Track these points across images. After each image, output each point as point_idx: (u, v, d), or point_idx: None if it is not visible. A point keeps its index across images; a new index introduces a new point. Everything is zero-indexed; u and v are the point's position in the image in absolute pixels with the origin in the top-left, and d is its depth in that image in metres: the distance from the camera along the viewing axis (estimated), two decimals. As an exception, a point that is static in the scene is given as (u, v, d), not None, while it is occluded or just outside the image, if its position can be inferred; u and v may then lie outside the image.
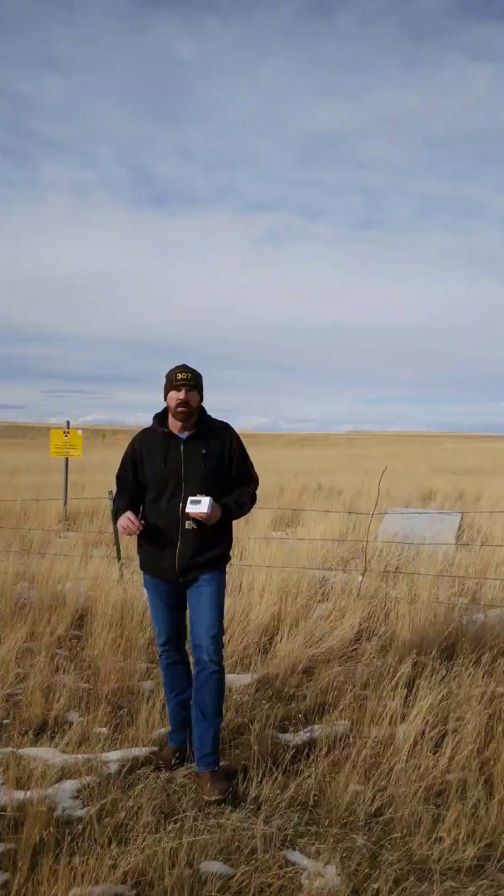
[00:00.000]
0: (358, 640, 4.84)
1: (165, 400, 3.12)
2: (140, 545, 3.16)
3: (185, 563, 3.04)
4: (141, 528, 3.01)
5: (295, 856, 2.55)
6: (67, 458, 11.78)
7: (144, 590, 3.33)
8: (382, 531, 8.23)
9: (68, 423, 11.88)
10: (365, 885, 2.39)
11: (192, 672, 3.15)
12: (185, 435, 3.08)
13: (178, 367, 3.07)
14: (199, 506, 2.91)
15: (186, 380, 3.02)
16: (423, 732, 3.32)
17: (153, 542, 3.09)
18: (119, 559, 6.57)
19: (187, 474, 3.03)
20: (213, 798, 2.85)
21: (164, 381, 3.12)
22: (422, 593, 5.45)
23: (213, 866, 2.47)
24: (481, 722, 3.40)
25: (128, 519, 3.00)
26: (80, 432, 11.66)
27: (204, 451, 3.05)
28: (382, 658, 4.42)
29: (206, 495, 2.96)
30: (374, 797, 2.88)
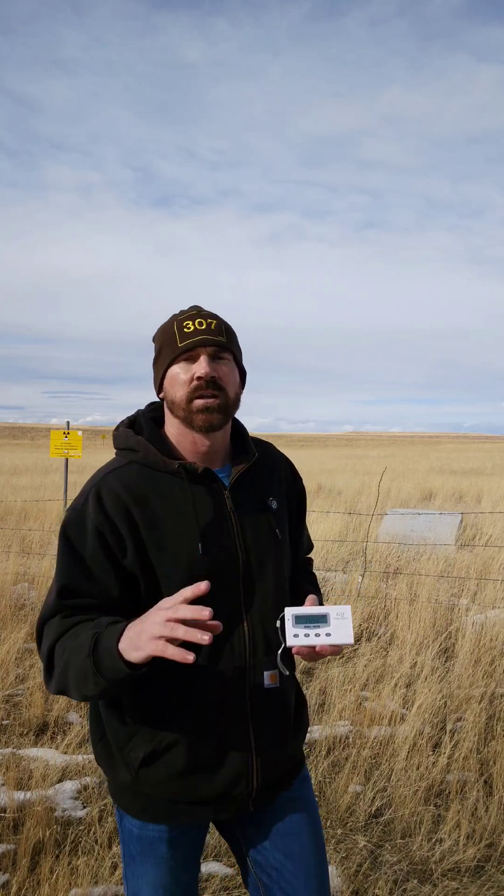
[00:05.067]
0: (358, 640, 4.84)
1: (160, 391, 1.41)
2: (149, 758, 1.33)
3: (272, 769, 1.39)
4: (212, 633, 1.11)
5: (295, 856, 2.55)
6: (67, 459, 11.79)
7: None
8: (382, 532, 8.23)
9: (68, 423, 11.89)
10: (365, 886, 2.39)
11: None
12: (225, 472, 1.41)
13: (185, 312, 1.39)
14: (328, 630, 1.24)
15: (210, 333, 1.34)
16: (423, 732, 3.32)
17: (186, 737, 1.32)
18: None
19: (253, 565, 1.38)
20: None
21: (154, 352, 1.43)
22: (422, 594, 5.45)
23: (212, 867, 2.47)
24: (481, 722, 3.40)
25: (184, 625, 1.10)
26: (79, 433, 11.67)
27: (272, 503, 1.45)
28: (382, 658, 4.42)
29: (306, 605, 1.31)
30: (374, 798, 2.88)
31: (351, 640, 1.25)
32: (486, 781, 3.05)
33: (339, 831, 2.70)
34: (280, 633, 1.31)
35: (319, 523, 8.38)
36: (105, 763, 1.40)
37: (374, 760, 3.17)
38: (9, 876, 2.36)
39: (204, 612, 1.06)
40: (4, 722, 3.57)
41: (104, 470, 1.37)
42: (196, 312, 1.37)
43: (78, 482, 14.49)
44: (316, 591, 1.56)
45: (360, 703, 3.76)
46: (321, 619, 1.25)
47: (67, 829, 2.66)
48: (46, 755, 3.19)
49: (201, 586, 1.10)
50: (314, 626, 1.25)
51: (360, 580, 5.86)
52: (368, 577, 6.04)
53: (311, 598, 1.33)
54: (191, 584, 1.14)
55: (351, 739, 3.38)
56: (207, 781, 1.34)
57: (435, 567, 6.44)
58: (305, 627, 1.25)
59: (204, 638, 1.05)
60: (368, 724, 3.52)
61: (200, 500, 1.34)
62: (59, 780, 3.00)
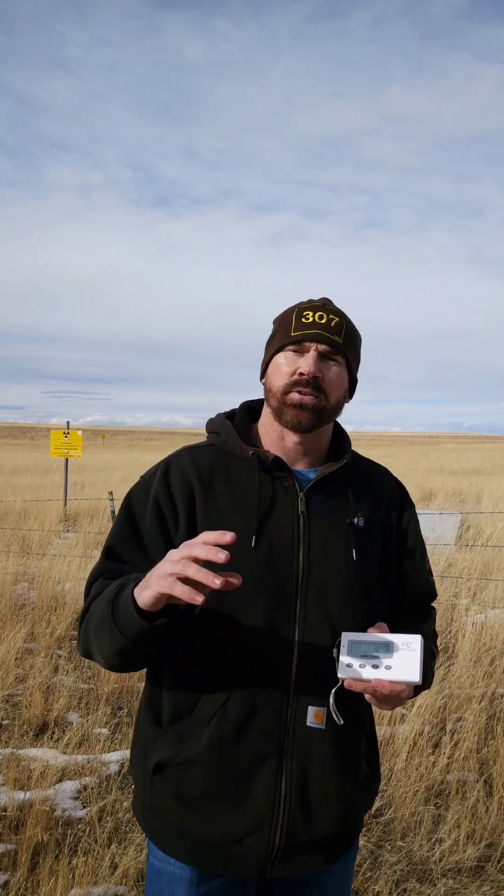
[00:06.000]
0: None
1: (264, 376, 1.31)
2: (163, 764, 1.20)
3: (304, 831, 1.18)
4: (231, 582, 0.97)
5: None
6: (67, 459, 11.79)
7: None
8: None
9: (68, 423, 11.90)
10: (365, 886, 2.39)
11: None
12: (308, 472, 1.28)
13: (311, 302, 1.28)
14: (389, 661, 1.05)
15: (328, 329, 1.23)
16: (423, 732, 3.32)
17: (206, 759, 1.17)
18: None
19: (315, 581, 1.20)
20: None
21: (270, 333, 1.32)
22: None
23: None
24: (481, 722, 3.40)
25: (200, 566, 0.95)
26: (79, 433, 11.67)
27: (359, 521, 1.26)
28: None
29: (378, 631, 1.12)
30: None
31: (417, 679, 1.02)
32: (486, 781, 3.05)
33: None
34: (336, 663, 1.10)
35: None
36: (134, 771, 1.29)
37: (374, 760, 3.17)
38: (9, 876, 2.36)
39: (220, 556, 0.92)
40: (4, 722, 3.57)
41: (183, 448, 1.33)
42: (321, 304, 1.26)
43: (78, 482, 14.49)
44: (432, 643, 1.31)
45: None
46: (382, 648, 1.04)
47: (67, 829, 2.65)
48: (46, 755, 3.19)
49: (227, 535, 0.94)
50: (372, 657, 1.03)
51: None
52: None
53: (379, 624, 1.14)
54: (236, 576, 1.04)
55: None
56: (218, 818, 1.16)
57: (435, 567, 6.43)
58: (362, 657, 1.03)
59: (216, 582, 0.92)
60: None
61: (267, 492, 1.23)
62: (59, 780, 3.00)
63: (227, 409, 1.37)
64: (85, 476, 16.73)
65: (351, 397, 1.33)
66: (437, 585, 5.94)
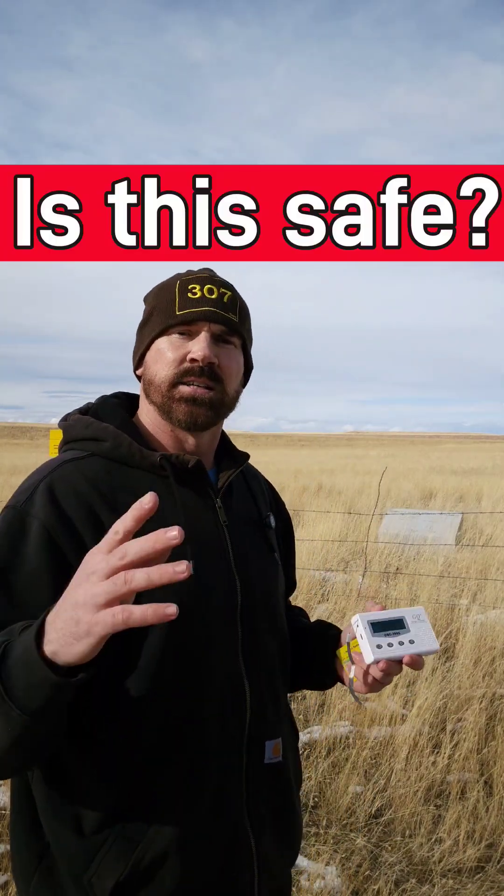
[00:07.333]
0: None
1: (140, 366, 1.10)
2: (124, 886, 0.90)
3: (276, 875, 1.07)
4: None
5: (295, 857, 2.55)
6: (67, 459, 11.81)
7: None
8: (383, 532, 8.24)
9: (68, 423, 11.92)
10: (365, 886, 2.39)
11: None
12: (215, 475, 1.13)
13: (193, 273, 1.07)
14: (410, 636, 1.01)
15: (221, 306, 1.03)
16: (423, 733, 3.32)
17: (179, 848, 0.92)
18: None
19: (254, 598, 1.06)
20: None
21: (143, 315, 1.10)
22: (422, 594, 5.45)
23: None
24: (481, 723, 3.40)
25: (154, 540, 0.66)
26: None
27: (269, 519, 1.18)
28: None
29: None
30: (374, 798, 2.88)
31: (437, 647, 1.00)
32: (486, 782, 3.05)
33: (339, 831, 2.70)
34: (346, 650, 1.04)
35: (319, 523, 8.38)
36: None
37: (374, 761, 3.17)
38: (9, 876, 2.36)
39: (171, 532, 0.65)
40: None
41: (55, 462, 1.00)
42: (208, 276, 1.05)
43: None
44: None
45: (361, 704, 3.76)
46: (398, 624, 1.00)
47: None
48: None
49: (145, 500, 0.67)
50: (395, 634, 0.99)
51: (360, 580, 5.86)
52: (368, 577, 6.04)
53: (370, 604, 1.04)
54: (176, 624, 0.75)
55: (351, 740, 3.38)
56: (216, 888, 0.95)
57: (435, 567, 6.44)
58: (386, 636, 0.98)
59: (180, 570, 0.65)
60: (368, 724, 3.52)
61: (188, 506, 1.00)
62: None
63: (75, 411, 1.09)
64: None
65: (245, 384, 1.14)
66: (437, 585, 5.96)
